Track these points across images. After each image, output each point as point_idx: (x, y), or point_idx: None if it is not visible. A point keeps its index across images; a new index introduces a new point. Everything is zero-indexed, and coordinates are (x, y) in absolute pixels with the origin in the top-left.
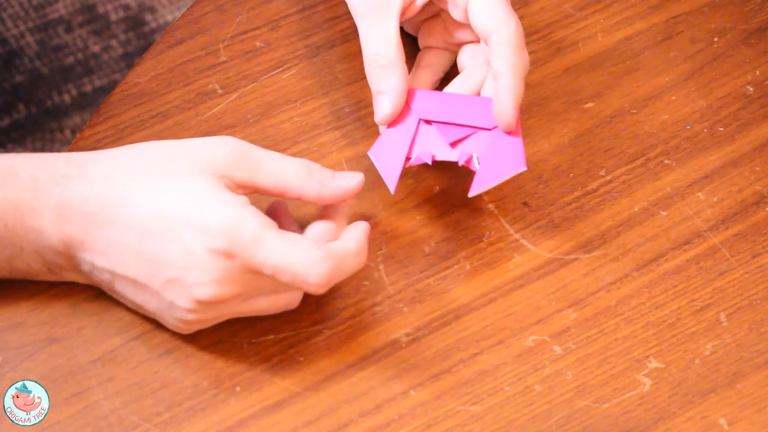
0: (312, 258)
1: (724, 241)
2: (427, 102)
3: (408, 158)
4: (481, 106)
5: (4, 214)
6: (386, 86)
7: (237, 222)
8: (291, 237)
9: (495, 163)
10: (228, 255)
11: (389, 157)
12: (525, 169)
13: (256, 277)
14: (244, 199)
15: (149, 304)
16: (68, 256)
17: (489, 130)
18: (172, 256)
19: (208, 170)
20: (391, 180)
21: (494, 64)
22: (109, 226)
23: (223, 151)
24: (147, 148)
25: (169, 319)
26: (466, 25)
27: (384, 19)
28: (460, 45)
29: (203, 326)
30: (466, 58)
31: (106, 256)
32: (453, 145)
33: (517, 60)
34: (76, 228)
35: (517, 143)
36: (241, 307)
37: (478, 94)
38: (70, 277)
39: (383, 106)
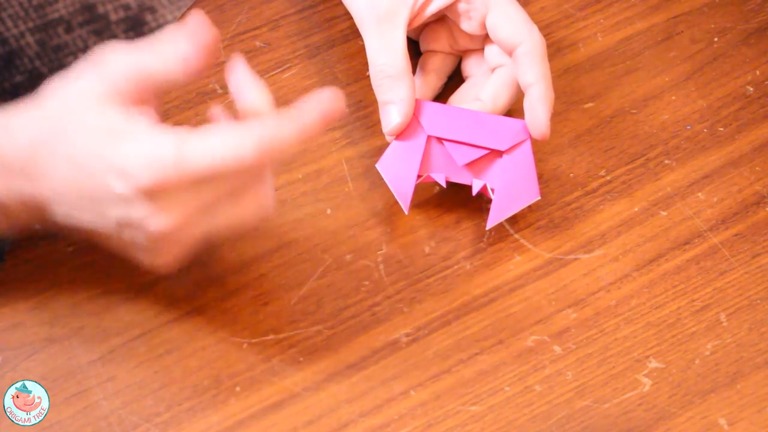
0: (237, 138)
1: (724, 241)
2: (436, 117)
3: (419, 176)
4: (492, 125)
5: None
6: (395, 96)
7: (149, 149)
8: (206, 132)
9: (510, 193)
10: (159, 188)
11: (399, 173)
12: (539, 198)
13: (198, 186)
14: (148, 118)
15: (121, 248)
16: (34, 195)
17: (501, 152)
18: (110, 201)
19: (110, 101)
20: (404, 201)
21: (524, 77)
22: (46, 177)
23: (122, 74)
24: (37, 109)
25: (147, 261)
26: (473, 35)
27: (391, 29)
28: (465, 51)
29: (182, 254)
30: (471, 66)
31: (61, 206)
32: (465, 166)
33: (545, 69)
34: (28, 191)
35: (530, 171)
36: (207, 225)
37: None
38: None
39: (392, 117)
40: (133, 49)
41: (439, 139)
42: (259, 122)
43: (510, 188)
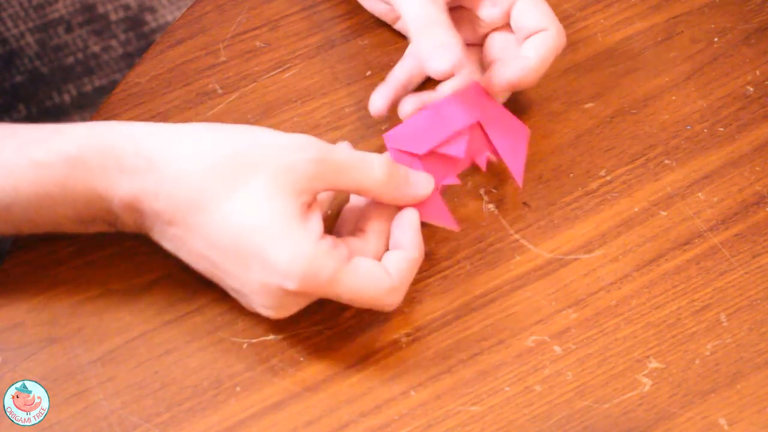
0: (385, 288)
1: (725, 241)
2: (406, 139)
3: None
4: (452, 107)
5: (74, 203)
6: (449, 39)
7: (312, 267)
8: (364, 270)
9: (509, 145)
10: (300, 294)
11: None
12: (528, 131)
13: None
14: (319, 230)
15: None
16: (139, 230)
17: (475, 124)
18: (240, 278)
19: (287, 188)
20: (449, 221)
21: (525, 50)
22: (178, 226)
23: (304, 161)
24: (220, 142)
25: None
26: (491, 22)
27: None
28: (483, 39)
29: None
30: (497, 49)
31: (173, 246)
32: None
33: (548, 58)
34: (145, 217)
35: (502, 112)
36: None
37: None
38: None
39: (451, 55)
40: (336, 165)
41: (424, 155)
42: (405, 275)
43: (505, 141)
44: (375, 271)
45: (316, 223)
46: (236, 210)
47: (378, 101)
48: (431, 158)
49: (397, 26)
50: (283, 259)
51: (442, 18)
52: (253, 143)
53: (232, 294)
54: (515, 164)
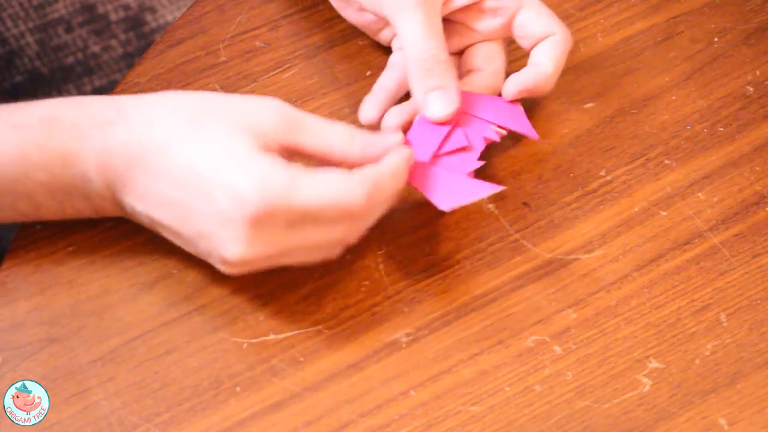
0: (348, 185)
1: (725, 241)
2: (422, 138)
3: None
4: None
5: (49, 164)
6: (447, 82)
7: (267, 176)
8: (321, 174)
9: (507, 116)
10: (262, 217)
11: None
12: (521, 106)
13: (291, 233)
14: (275, 156)
15: (188, 248)
16: (113, 199)
17: (463, 112)
18: (205, 213)
19: (246, 130)
20: (490, 187)
21: (537, 56)
22: (147, 172)
23: (266, 113)
24: (187, 98)
25: (209, 260)
26: (485, 32)
27: (434, 14)
28: (465, 49)
29: (249, 271)
30: (481, 59)
31: (144, 201)
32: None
33: (561, 62)
34: (118, 172)
35: (494, 98)
36: (280, 261)
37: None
38: (116, 214)
39: (445, 103)
40: (300, 122)
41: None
42: (370, 175)
43: (500, 113)
44: (333, 173)
45: (275, 155)
46: (201, 149)
47: (369, 111)
48: (444, 159)
49: (379, 38)
50: (242, 182)
51: (443, 54)
52: (218, 97)
53: (203, 247)
54: (521, 125)
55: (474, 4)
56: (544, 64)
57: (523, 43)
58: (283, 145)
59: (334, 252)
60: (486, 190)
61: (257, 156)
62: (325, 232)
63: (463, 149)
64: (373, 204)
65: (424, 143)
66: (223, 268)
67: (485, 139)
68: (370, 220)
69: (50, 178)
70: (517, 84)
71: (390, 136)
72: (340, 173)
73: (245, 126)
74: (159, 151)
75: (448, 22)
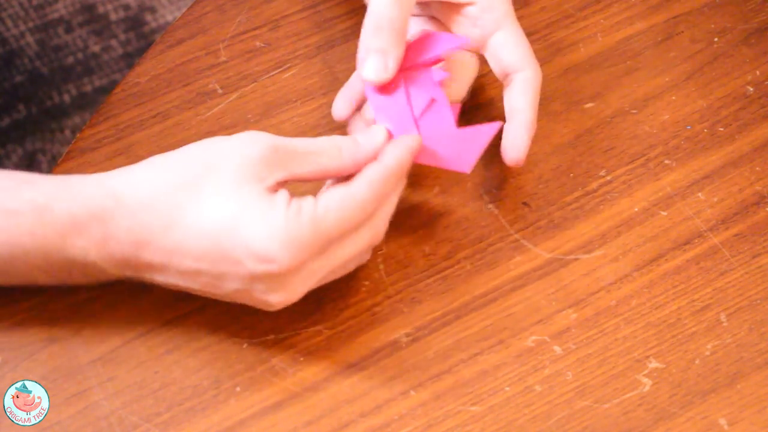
0: (360, 189)
1: (725, 241)
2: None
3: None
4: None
5: (46, 253)
6: (392, 48)
7: (289, 229)
8: (329, 197)
9: (438, 44)
10: (298, 266)
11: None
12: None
13: (324, 260)
14: (285, 196)
15: (227, 298)
16: (122, 275)
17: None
18: (237, 276)
19: (248, 177)
20: (492, 128)
21: (515, 101)
22: (162, 252)
23: (258, 151)
24: (174, 159)
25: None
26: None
27: None
28: None
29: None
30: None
31: (165, 275)
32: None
33: (537, 102)
34: (126, 256)
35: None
36: (320, 284)
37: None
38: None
39: (382, 66)
40: (288, 152)
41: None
42: (368, 171)
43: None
44: (338, 191)
45: (282, 193)
46: (206, 211)
47: (340, 108)
48: (423, 125)
49: None
50: (267, 243)
51: (399, 23)
52: (205, 149)
53: (248, 301)
54: (450, 45)
55: (456, 6)
56: (524, 111)
57: (492, 64)
58: (279, 181)
59: (367, 256)
60: (490, 131)
61: (269, 205)
62: (352, 245)
63: (430, 105)
64: (384, 201)
65: (397, 120)
66: (269, 309)
67: (439, 83)
68: (388, 212)
69: (46, 262)
70: (517, 148)
71: (375, 133)
72: (343, 188)
73: (242, 172)
74: (169, 229)
75: (429, 23)
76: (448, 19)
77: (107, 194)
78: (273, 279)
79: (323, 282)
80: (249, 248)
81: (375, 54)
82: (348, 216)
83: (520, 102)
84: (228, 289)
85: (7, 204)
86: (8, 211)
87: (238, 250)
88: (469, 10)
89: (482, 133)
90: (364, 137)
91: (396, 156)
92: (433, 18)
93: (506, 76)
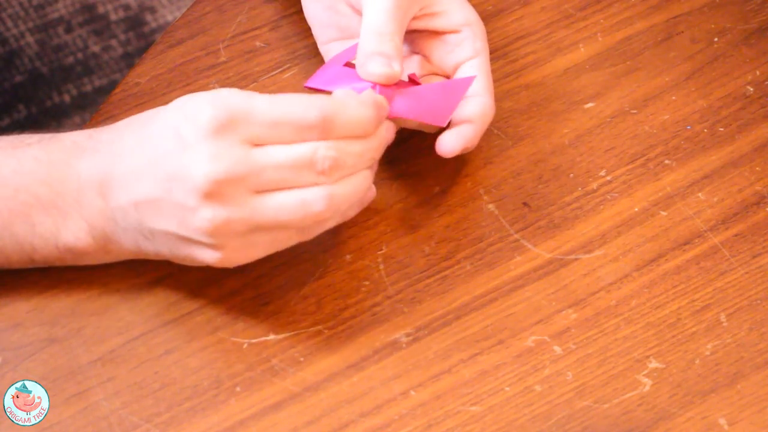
0: (303, 101)
1: (725, 241)
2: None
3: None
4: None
5: (48, 176)
6: (395, 55)
7: (221, 93)
8: (279, 94)
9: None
10: (220, 127)
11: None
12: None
13: (255, 151)
14: None
15: (171, 224)
16: (105, 213)
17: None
18: (168, 149)
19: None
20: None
21: (468, 107)
22: (126, 154)
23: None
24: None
25: (199, 247)
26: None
27: (403, 7)
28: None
29: (237, 250)
30: None
31: (126, 187)
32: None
33: (483, 129)
34: (105, 170)
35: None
36: (255, 202)
37: None
38: (113, 250)
39: (390, 67)
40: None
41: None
42: (330, 98)
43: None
44: (291, 94)
45: None
46: (162, 111)
47: None
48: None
49: (327, 48)
50: (195, 99)
51: (398, 38)
52: (179, 107)
53: (177, 197)
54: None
55: (437, 33)
56: (473, 123)
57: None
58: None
59: (314, 197)
60: (465, 84)
61: (215, 90)
62: (288, 151)
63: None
64: (332, 127)
65: (340, 76)
66: (201, 221)
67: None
68: (340, 146)
69: (48, 190)
70: (454, 144)
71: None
72: (297, 97)
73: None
74: (134, 131)
75: (410, 49)
76: (425, 46)
77: (108, 126)
78: (195, 140)
79: (259, 210)
80: (179, 107)
81: (378, 56)
82: (285, 114)
83: (468, 112)
84: (164, 173)
85: (16, 140)
86: (15, 144)
87: (172, 112)
88: (451, 38)
89: (457, 87)
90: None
91: (357, 100)
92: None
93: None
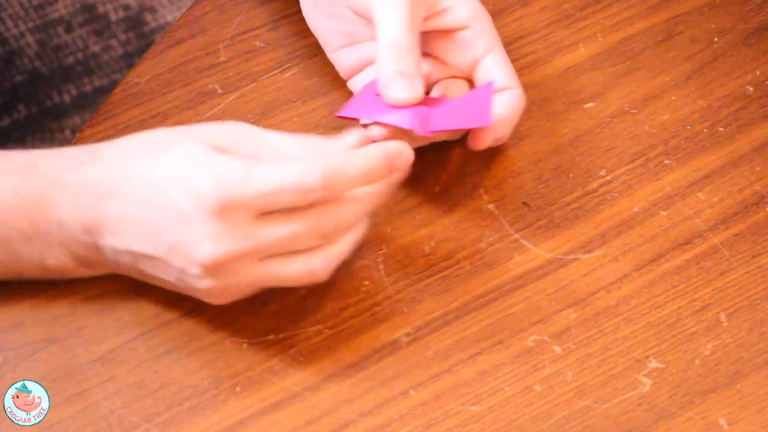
0: (303, 165)
1: (724, 241)
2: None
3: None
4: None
5: (27, 210)
6: (416, 72)
7: (221, 169)
8: (278, 162)
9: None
10: (221, 209)
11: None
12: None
13: (259, 226)
14: (233, 153)
15: (169, 276)
16: (92, 246)
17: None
18: (169, 220)
19: (202, 139)
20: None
21: (497, 106)
22: (118, 201)
23: (225, 128)
24: (158, 130)
25: (194, 291)
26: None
27: (416, 16)
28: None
29: (232, 296)
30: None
31: (119, 235)
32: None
33: (517, 118)
34: (92, 212)
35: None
36: (259, 270)
37: None
38: (100, 269)
39: (413, 88)
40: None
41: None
42: (327, 154)
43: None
44: (289, 159)
45: (236, 154)
46: (161, 164)
47: None
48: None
49: (338, 55)
50: (197, 177)
51: (415, 51)
52: (186, 126)
53: (177, 264)
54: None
55: (448, 33)
56: (503, 113)
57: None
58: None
59: (316, 264)
60: (489, 88)
61: (212, 154)
62: (292, 225)
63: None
64: (335, 187)
65: (372, 106)
66: (202, 285)
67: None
68: (341, 210)
69: (28, 224)
70: (483, 138)
71: (348, 139)
72: (297, 157)
73: (203, 137)
74: (128, 179)
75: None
76: (437, 48)
77: (88, 152)
78: (200, 221)
79: (261, 273)
80: (181, 184)
81: (402, 76)
82: (285, 184)
83: (498, 107)
84: (166, 242)
85: None
86: None
87: (173, 188)
88: (462, 35)
89: (483, 93)
90: (340, 142)
91: (364, 153)
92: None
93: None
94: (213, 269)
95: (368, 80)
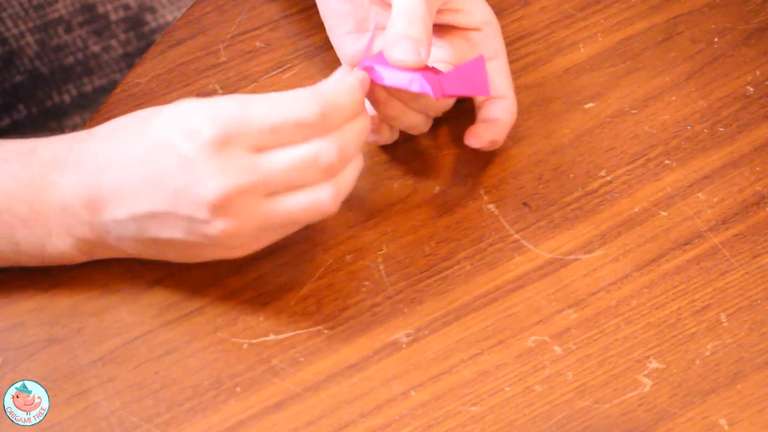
0: (299, 98)
1: (725, 241)
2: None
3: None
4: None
5: (28, 196)
6: (424, 40)
7: (216, 106)
8: (272, 94)
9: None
10: (221, 143)
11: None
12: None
13: (260, 158)
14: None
15: (177, 231)
16: (95, 225)
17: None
18: (170, 167)
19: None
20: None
21: (496, 109)
22: (116, 168)
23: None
24: (152, 109)
25: (206, 247)
26: None
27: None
28: None
29: (248, 243)
30: None
31: (121, 202)
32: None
33: (509, 126)
34: (92, 187)
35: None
36: (267, 206)
37: None
38: (100, 253)
39: (417, 52)
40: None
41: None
42: (322, 89)
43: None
44: (283, 92)
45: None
46: (152, 118)
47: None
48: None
49: (343, 40)
50: (194, 117)
51: (429, 22)
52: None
53: (184, 210)
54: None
55: (461, 30)
56: (501, 120)
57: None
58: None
59: (323, 194)
60: (479, 60)
61: (206, 99)
62: (292, 154)
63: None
64: (331, 116)
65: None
66: (213, 230)
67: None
68: (339, 137)
69: (29, 211)
70: (484, 138)
71: (337, 76)
72: (290, 90)
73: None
74: (124, 144)
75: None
76: (448, 41)
77: (84, 132)
78: (201, 159)
79: (270, 208)
80: (178, 126)
81: (407, 39)
82: (284, 116)
83: (498, 113)
84: (170, 191)
85: None
86: None
87: (171, 132)
88: (473, 36)
89: (477, 64)
90: (330, 81)
91: (347, 79)
92: None
93: (486, 100)
94: (220, 208)
95: None
